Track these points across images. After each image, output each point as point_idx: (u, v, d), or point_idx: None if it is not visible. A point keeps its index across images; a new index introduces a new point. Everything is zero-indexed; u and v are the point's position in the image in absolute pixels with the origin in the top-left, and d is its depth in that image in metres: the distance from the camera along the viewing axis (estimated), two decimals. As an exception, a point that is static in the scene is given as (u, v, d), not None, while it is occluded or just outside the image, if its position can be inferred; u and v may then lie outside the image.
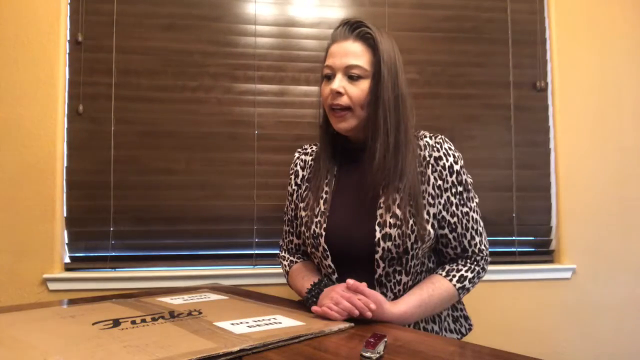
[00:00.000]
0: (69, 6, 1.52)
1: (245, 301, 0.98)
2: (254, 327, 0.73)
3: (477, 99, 1.69)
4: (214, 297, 1.02)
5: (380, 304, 0.81)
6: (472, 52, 1.69)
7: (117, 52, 1.52)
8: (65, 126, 1.50)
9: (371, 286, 0.87)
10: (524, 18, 1.73)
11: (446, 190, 0.92)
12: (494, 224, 1.66)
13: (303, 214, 0.99)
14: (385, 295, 0.91)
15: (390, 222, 0.87)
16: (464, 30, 1.69)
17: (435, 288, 0.90)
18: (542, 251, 1.70)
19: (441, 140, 0.94)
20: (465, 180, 0.94)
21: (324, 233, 0.93)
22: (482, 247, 0.95)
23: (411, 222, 0.87)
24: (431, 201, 0.91)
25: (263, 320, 0.77)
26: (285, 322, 0.77)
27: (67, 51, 1.51)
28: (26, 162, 1.45)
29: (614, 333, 1.67)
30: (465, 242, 0.94)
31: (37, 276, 1.43)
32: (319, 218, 0.94)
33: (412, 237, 0.87)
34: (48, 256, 1.45)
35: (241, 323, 0.75)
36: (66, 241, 1.49)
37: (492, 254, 1.65)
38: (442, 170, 0.92)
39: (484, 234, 0.96)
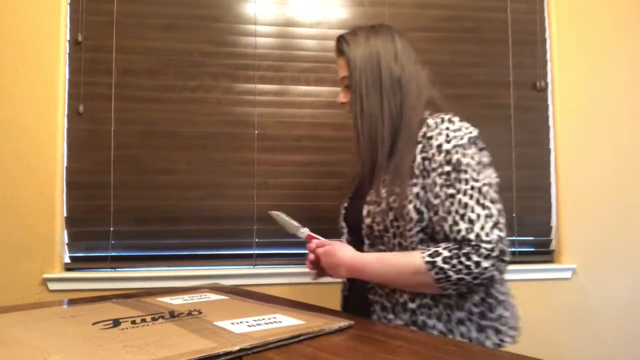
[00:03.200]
0: (69, 6, 1.52)
1: (245, 301, 0.98)
2: (254, 326, 0.73)
3: (477, 99, 1.69)
4: (214, 297, 1.02)
5: (330, 253, 0.93)
6: (472, 52, 1.69)
7: (117, 52, 1.52)
8: (65, 126, 1.50)
9: None
10: (524, 18, 1.73)
11: (433, 170, 0.87)
12: (494, 224, 1.66)
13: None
14: None
15: (373, 200, 0.93)
16: (464, 30, 1.69)
17: (405, 260, 0.86)
18: (542, 251, 1.70)
19: (440, 120, 0.90)
20: (459, 160, 0.85)
21: (343, 212, 1.09)
22: (471, 235, 0.80)
23: (390, 199, 0.89)
24: (414, 180, 0.88)
25: (263, 319, 0.77)
26: (285, 321, 0.77)
27: (67, 51, 1.51)
28: (26, 162, 1.45)
29: (614, 333, 1.67)
30: (446, 227, 0.83)
31: (37, 276, 1.43)
32: (345, 200, 1.11)
33: (391, 214, 0.89)
34: (48, 256, 1.45)
35: (241, 322, 0.75)
36: (66, 241, 1.49)
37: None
38: (431, 150, 0.88)
39: (481, 222, 0.81)
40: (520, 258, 1.67)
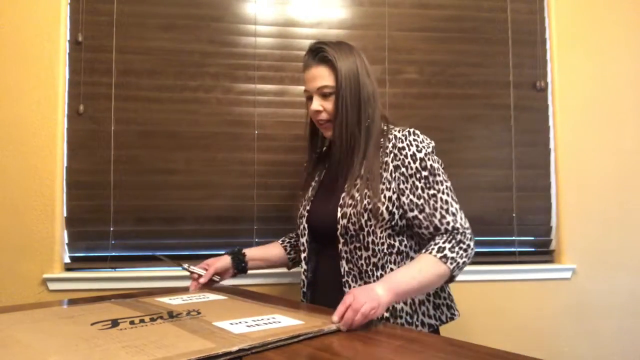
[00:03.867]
0: (69, 6, 1.52)
1: (245, 301, 0.98)
2: (253, 326, 0.73)
3: (477, 99, 1.69)
4: (213, 297, 1.02)
5: (359, 300, 0.79)
6: (472, 52, 1.69)
7: (117, 52, 1.52)
8: (65, 126, 1.50)
9: (338, 260, 1.04)
10: (524, 18, 1.73)
11: (411, 176, 1.01)
12: (494, 224, 1.66)
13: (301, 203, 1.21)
14: (351, 270, 1.03)
15: (348, 203, 1.02)
16: (464, 30, 1.69)
17: (422, 263, 0.94)
18: (542, 251, 1.70)
19: (407, 133, 1.03)
20: (432, 165, 1.01)
21: (306, 214, 1.13)
22: (457, 225, 0.98)
23: (365, 202, 1.00)
24: (388, 185, 1.01)
25: (262, 319, 0.77)
26: (285, 322, 0.77)
27: (67, 51, 1.51)
28: (26, 162, 1.45)
29: (614, 333, 1.67)
30: (436, 221, 0.99)
31: (37, 276, 1.43)
32: (304, 203, 1.16)
33: (365, 215, 1.00)
34: (48, 256, 1.45)
35: (240, 323, 0.75)
36: (66, 241, 1.49)
37: (492, 254, 1.68)
38: (405, 159, 1.01)
39: (459, 214, 0.99)
40: (520, 258, 1.66)
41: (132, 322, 0.74)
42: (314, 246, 1.14)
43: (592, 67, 1.73)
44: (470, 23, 1.70)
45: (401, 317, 1.00)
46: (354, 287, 1.02)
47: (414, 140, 1.03)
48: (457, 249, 0.95)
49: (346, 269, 1.04)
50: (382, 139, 1.06)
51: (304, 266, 1.13)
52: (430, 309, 1.04)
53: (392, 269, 1.01)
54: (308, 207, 1.14)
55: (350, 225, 1.01)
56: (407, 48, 1.65)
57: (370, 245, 1.02)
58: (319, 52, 1.07)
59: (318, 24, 1.63)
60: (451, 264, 0.93)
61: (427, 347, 0.69)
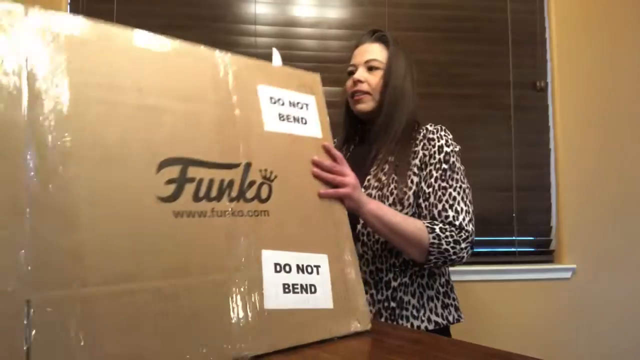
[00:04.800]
0: (68, 6, 1.52)
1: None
2: (290, 290, 0.70)
3: (477, 99, 1.69)
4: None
5: (355, 187, 0.86)
6: (472, 52, 1.69)
7: (117, 52, 1.52)
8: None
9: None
10: (524, 18, 1.73)
11: (431, 164, 1.00)
12: (494, 224, 1.66)
13: None
14: (365, 253, 1.01)
15: (373, 185, 1.02)
16: (464, 30, 1.69)
17: (409, 218, 0.95)
18: (542, 251, 1.70)
19: (439, 127, 1.04)
20: (454, 162, 1.00)
21: None
22: (457, 222, 0.94)
23: (392, 186, 1.00)
24: (416, 172, 1.01)
25: (307, 267, 0.74)
26: (321, 292, 0.74)
27: (67, 51, 1.51)
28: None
29: (614, 333, 1.67)
30: (435, 212, 0.96)
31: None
32: None
33: (390, 199, 0.99)
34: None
35: (287, 267, 0.72)
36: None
37: (492, 254, 1.68)
38: (432, 148, 1.01)
39: (465, 215, 0.95)
40: (520, 258, 1.66)
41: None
42: None
43: (592, 67, 1.73)
44: (470, 23, 1.70)
45: (407, 310, 0.99)
46: (364, 270, 1.01)
47: (445, 135, 1.03)
48: (447, 234, 0.92)
49: (360, 251, 1.02)
50: (414, 133, 1.06)
51: None
52: (438, 306, 1.03)
53: (404, 259, 1.00)
54: None
55: None
56: (407, 48, 1.65)
57: None
58: (377, 33, 1.11)
59: (318, 24, 1.63)
60: (434, 238, 0.91)
61: (428, 347, 0.69)
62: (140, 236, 0.59)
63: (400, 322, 0.98)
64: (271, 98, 0.79)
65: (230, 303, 0.65)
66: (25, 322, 0.49)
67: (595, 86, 1.72)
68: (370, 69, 1.08)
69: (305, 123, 0.84)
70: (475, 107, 1.69)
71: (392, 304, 0.99)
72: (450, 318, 1.03)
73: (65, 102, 0.56)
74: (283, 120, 0.80)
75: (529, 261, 1.67)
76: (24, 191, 0.51)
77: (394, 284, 1.00)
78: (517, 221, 1.67)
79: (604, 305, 1.67)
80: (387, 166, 1.03)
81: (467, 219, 0.96)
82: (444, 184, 0.98)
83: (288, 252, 0.74)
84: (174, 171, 0.64)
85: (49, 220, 0.52)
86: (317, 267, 0.77)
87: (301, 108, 0.84)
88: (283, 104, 0.81)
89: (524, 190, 1.68)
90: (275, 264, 0.72)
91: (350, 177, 0.84)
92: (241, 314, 0.65)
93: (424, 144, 1.02)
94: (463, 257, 0.95)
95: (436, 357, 0.64)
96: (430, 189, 0.99)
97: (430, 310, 1.01)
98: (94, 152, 0.57)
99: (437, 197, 0.98)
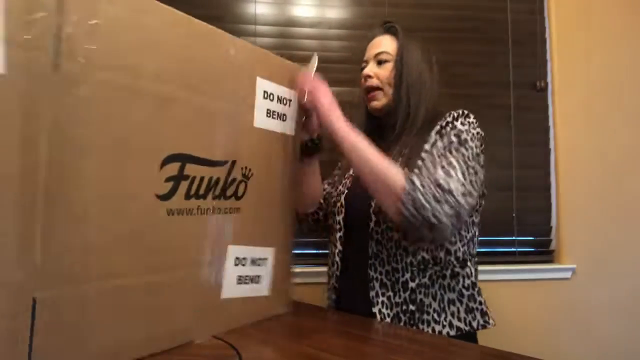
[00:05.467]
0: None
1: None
2: (242, 281, 0.76)
3: (477, 99, 1.69)
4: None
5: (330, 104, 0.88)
6: (472, 52, 1.69)
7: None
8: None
9: (366, 241, 0.97)
10: (524, 18, 1.73)
11: (439, 136, 0.93)
12: (494, 224, 1.66)
13: (336, 176, 1.19)
14: (380, 253, 0.95)
15: None
16: (464, 30, 1.69)
17: (387, 159, 0.86)
18: (542, 251, 1.70)
19: (461, 112, 0.97)
20: (466, 140, 0.89)
21: (345, 191, 1.06)
22: (446, 186, 0.80)
23: None
24: (423, 155, 0.91)
25: (258, 260, 0.80)
26: (263, 282, 0.81)
27: (67, 51, 1.51)
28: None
29: (614, 333, 1.67)
30: (425, 172, 0.85)
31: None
32: (345, 180, 1.11)
33: None
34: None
35: (244, 260, 0.77)
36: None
37: (492, 254, 1.68)
38: (446, 127, 0.94)
39: (459, 186, 0.81)
40: (520, 258, 1.66)
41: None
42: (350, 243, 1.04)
43: (592, 67, 1.73)
44: (470, 23, 1.70)
45: (428, 313, 0.92)
46: (380, 271, 0.95)
47: (464, 118, 0.95)
48: (428, 189, 0.80)
49: (374, 250, 0.96)
50: (433, 123, 0.98)
51: (339, 247, 1.03)
52: (461, 310, 0.95)
53: (423, 257, 0.93)
54: (349, 184, 1.07)
55: None
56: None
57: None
58: (387, 24, 1.09)
59: (318, 24, 1.63)
60: (410, 187, 0.80)
61: (427, 347, 0.69)
62: (138, 233, 0.60)
63: (420, 326, 0.91)
64: (265, 92, 0.81)
65: (200, 294, 0.70)
66: (30, 318, 0.49)
67: (595, 86, 1.72)
68: (380, 62, 1.05)
69: (284, 120, 0.86)
70: (475, 107, 1.67)
71: (412, 307, 0.92)
72: (475, 324, 0.96)
73: (90, 85, 0.53)
74: (269, 116, 0.82)
75: (529, 261, 1.67)
76: (39, 184, 0.50)
77: (412, 284, 0.93)
78: (517, 221, 1.67)
79: (604, 305, 1.67)
80: (400, 159, 0.96)
81: (460, 189, 0.81)
82: (444, 152, 0.87)
83: (247, 247, 0.80)
84: (174, 168, 0.64)
85: (60, 215, 0.52)
86: (265, 259, 0.83)
87: (285, 104, 0.87)
88: (272, 100, 0.83)
89: (524, 190, 1.68)
90: (236, 258, 0.77)
91: (327, 97, 0.88)
92: (205, 303, 0.71)
93: (439, 128, 0.95)
94: (446, 225, 0.80)
95: (435, 357, 0.64)
96: (427, 154, 0.88)
97: (452, 315, 0.94)
98: (108, 144, 0.56)
99: (432, 162, 0.85)
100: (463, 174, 0.84)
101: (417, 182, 0.81)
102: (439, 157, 0.87)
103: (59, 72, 0.50)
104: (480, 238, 1.62)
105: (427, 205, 0.79)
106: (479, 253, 1.64)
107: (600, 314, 1.67)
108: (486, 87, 1.70)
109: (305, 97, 0.88)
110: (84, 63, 0.53)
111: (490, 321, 0.98)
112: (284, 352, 0.64)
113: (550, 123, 1.72)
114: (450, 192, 0.80)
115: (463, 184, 0.83)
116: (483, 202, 1.03)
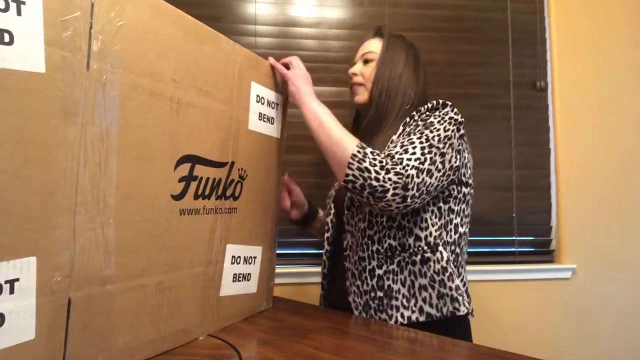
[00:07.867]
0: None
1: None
2: (236, 279, 0.78)
3: (477, 99, 1.69)
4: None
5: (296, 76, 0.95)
6: (472, 52, 1.69)
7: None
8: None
9: (344, 235, 1.04)
10: (524, 18, 1.73)
11: (408, 127, 0.95)
12: (494, 224, 1.66)
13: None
14: (352, 244, 1.01)
15: None
16: (464, 30, 1.69)
17: (344, 128, 0.90)
18: (542, 251, 1.70)
19: (433, 103, 0.97)
20: (432, 122, 0.91)
21: (334, 193, 1.17)
22: (397, 156, 0.83)
23: None
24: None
25: (249, 259, 0.83)
26: (252, 280, 0.83)
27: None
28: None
29: (614, 333, 1.67)
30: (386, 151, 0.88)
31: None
32: (335, 184, 1.21)
33: None
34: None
35: (239, 258, 0.79)
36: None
37: (492, 254, 1.68)
38: (414, 117, 0.97)
39: (413, 162, 0.83)
40: (520, 258, 1.66)
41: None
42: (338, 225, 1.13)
43: (592, 67, 1.73)
44: (470, 23, 1.70)
45: (397, 299, 0.92)
46: (351, 261, 1.00)
47: (440, 110, 0.96)
48: (376, 160, 0.82)
49: (349, 242, 1.02)
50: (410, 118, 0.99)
51: (327, 246, 1.14)
52: (433, 297, 0.93)
53: (390, 244, 0.94)
54: (337, 187, 1.18)
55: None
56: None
57: (367, 217, 0.98)
58: (377, 27, 1.15)
59: (318, 24, 1.63)
60: (359, 152, 0.82)
61: (427, 347, 0.69)
62: (154, 234, 0.61)
63: (390, 312, 0.92)
64: (257, 96, 0.85)
65: (202, 292, 0.71)
66: (65, 319, 0.50)
67: (595, 86, 1.72)
68: (366, 61, 1.10)
69: (272, 123, 0.90)
70: (475, 107, 1.69)
71: (380, 294, 0.93)
72: (445, 311, 0.92)
73: (118, 86, 0.55)
74: (261, 119, 0.86)
75: (529, 261, 1.67)
76: (77, 188, 0.51)
77: (379, 271, 0.95)
78: (517, 221, 1.67)
79: (604, 305, 1.67)
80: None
81: (413, 163, 0.82)
82: (410, 134, 0.89)
83: (241, 246, 0.82)
84: (185, 169, 0.66)
85: (92, 217, 0.53)
86: (255, 257, 0.85)
87: (273, 108, 0.91)
88: (264, 104, 0.87)
89: (524, 190, 1.68)
90: (232, 257, 0.79)
91: (297, 69, 0.96)
92: (206, 301, 0.72)
93: (409, 119, 0.97)
94: (387, 191, 0.81)
95: (435, 357, 0.64)
96: (392, 143, 0.94)
97: (424, 300, 0.93)
98: (132, 145, 0.58)
99: (397, 144, 0.88)
100: (422, 150, 0.85)
101: (368, 150, 0.84)
102: (403, 138, 0.89)
103: (91, 72, 0.52)
104: (480, 238, 1.64)
105: (371, 169, 0.81)
106: (479, 253, 1.66)
107: (600, 314, 1.67)
108: (486, 87, 1.70)
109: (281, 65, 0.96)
110: (112, 63, 0.54)
111: (462, 308, 0.92)
112: (283, 351, 0.64)
113: (550, 123, 1.72)
114: (400, 162, 0.82)
115: (418, 159, 0.83)
116: (471, 192, 1.01)
